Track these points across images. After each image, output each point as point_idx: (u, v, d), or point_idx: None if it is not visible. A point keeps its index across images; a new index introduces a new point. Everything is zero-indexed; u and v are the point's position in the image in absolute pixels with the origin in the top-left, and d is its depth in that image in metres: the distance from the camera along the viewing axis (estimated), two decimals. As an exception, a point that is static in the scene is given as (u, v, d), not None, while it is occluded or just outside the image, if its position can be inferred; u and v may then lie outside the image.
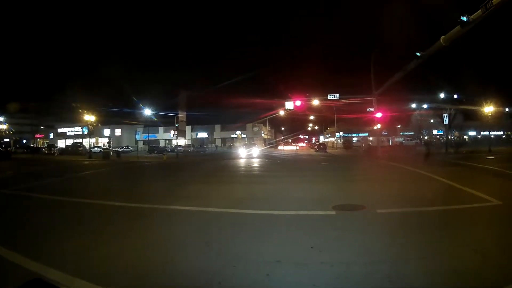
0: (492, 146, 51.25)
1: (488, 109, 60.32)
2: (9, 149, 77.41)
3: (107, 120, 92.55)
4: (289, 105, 51.36)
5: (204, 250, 7.25)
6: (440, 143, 60.62)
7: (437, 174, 19.80)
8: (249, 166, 33.30)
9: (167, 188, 17.50)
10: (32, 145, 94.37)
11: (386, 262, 6.26)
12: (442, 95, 59.38)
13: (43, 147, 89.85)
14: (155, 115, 69.12)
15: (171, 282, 5.73)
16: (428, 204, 11.64)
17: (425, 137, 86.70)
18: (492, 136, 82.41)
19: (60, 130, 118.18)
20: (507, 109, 73.51)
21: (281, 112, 73.33)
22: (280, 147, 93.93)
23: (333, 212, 10.69)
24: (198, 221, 10.02)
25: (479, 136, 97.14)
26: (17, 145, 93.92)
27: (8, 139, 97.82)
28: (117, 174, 28.45)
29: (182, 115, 61.96)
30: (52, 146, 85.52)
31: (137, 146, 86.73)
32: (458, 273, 5.78)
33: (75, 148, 75.29)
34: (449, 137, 67.12)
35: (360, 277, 5.72)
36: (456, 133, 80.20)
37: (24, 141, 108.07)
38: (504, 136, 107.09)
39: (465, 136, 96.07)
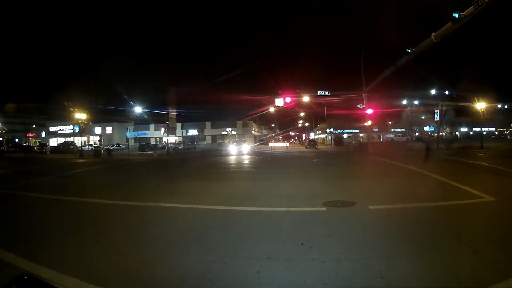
0: (484, 143, 51.19)
1: (480, 105, 60.46)
2: (1, 148, 77.16)
3: (98, 118, 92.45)
4: (279, 101, 51.59)
5: (195, 247, 7.23)
6: (431, 139, 60.65)
7: (428, 170, 19.87)
8: (239, 163, 33.47)
9: (157, 185, 17.47)
10: (24, 144, 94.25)
11: (378, 258, 6.22)
12: (433, 91, 59.46)
13: (35, 146, 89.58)
14: (146, 113, 68.98)
15: (162, 278, 5.69)
16: (419, 200, 11.61)
17: (417, 133, 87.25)
18: (484, 133, 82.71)
19: (51, 129, 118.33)
20: (499, 105, 73.74)
21: (271, 109, 73.24)
22: (270, 144, 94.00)
23: (324, 209, 10.66)
24: (188, 218, 10.00)
25: (471, 133, 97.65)
26: (10, 144, 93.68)
27: (0, 138, 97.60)
28: (108, 172, 28.28)
29: (172, 112, 61.68)
30: (44, 144, 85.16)
31: (128, 144, 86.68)
32: (451, 269, 5.76)
33: (67, 147, 74.83)
34: (441, 133, 67.37)
35: (351, 273, 5.69)
36: (448, 129, 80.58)
37: (17, 140, 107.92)
38: (496, 133, 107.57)
39: (456, 133, 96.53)
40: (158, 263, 6.31)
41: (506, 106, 77.62)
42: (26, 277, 2.44)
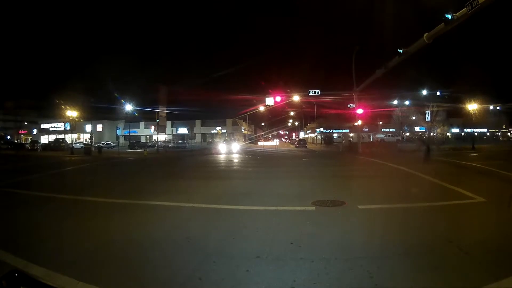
0: (476, 144, 51.17)
1: (472, 106, 60.69)
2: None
3: (89, 115, 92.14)
4: (269, 101, 51.46)
5: (185, 245, 7.21)
6: (423, 140, 60.81)
7: (418, 170, 19.88)
8: (229, 162, 33.45)
9: (147, 183, 17.46)
10: (16, 141, 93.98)
11: (367, 258, 6.21)
12: (424, 92, 59.61)
13: (26, 143, 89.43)
14: (136, 111, 68.75)
15: (150, 277, 5.66)
16: (410, 201, 11.63)
17: (407, 134, 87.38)
18: (476, 134, 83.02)
19: (43, 126, 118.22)
20: (491, 107, 73.93)
21: (262, 108, 73.02)
22: (260, 143, 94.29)
23: (313, 208, 10.65)
24: (178, 217, 9.95)
25: (463, 134, 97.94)
26: (2, 141, 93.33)
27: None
28: (98, 170, 28.19)
29: (163, 110, 61.73)
30: (35, 142, 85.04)
31: (118, 142, 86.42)
32: (441, 269, 5.76)
33: (58, 144, 74.44)
34: (431, 134, 67.50)
35: (341, 272, 5.68)
36: (439, 130, 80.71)
37: (8, 137, 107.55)
38: (488, 134, 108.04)
39: (447, 133, 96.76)
40: (147, 262, 6.27)
41: (498, 108, 77.85)
42: (16, 274, 2.44)
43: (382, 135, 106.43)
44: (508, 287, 5.14)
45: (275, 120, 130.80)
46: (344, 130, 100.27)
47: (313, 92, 48.09)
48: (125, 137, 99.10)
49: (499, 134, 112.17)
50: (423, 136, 73.06)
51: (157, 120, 60.79)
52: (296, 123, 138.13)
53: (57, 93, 77.35)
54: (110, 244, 7.39)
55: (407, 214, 9.83)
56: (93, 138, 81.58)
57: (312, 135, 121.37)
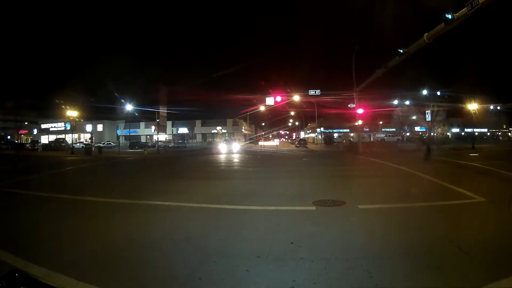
0: (476, 144, 51.03)
1: (472, 106, 60.64)
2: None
3: (89, 115, 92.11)
4: (270, 100, 51.45)
5: (184, 245, 7.20)
6: (424, 140, 60.73)
7: (418, 170, 19.87)
8: (229, 162, 33.44)
9: (147, 183, 17.44)
10: (16, 141, 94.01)
11: (367, 258, 6.20)
12: (425, 92, 59.59)
13: (27, 143, 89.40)
14: (137, 111, 68.65)
15: (150, 277, 5.65)
16: (410, 201, 11.62)
17: (407, 133, 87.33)
18: (476, 134, 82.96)
19: (43, 126, 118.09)
20: (492, 107, 73.89)
21: (262, 108, 72.91)
22: (260, 143, 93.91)
23: (313, 208, 10.64)
24: (178, 217, 9.94)
25: (463, 133, 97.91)
26: (2, 141, 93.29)
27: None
28: (98, 170, 28.16)
29: (163, 110, 61.74)
30: (35, 142, 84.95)
31: (119, 142, 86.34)
32: (441, 269, 5.75)
33: (58, 144, 74.45)
34: (432, 134, 67.48)
35: (341, 272, 5.67)
36: (439, 130, 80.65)
37: (9, 137, 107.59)
38: (488, 134, 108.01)
39: (448, 133, 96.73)
40: (147, 262, 6.26)
41: (498, 108, 77.82)
42: (16, 274, 2.44)
43: (383, 135, 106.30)
44: (508, 287, 5.13)
45: (275, 120, 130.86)
46: (344, 130, 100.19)
47: (313, 92, 48.07)
48: (126, 137, 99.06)
49: (499, 134, 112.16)
50: (424, 136, 73.05)
51: (158, 120, 60.77)
52: (297, 123, 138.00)
53: (57, 93, 77.39)
54: (110, 244, 7.38)
55: (407, 214, 9.82)
56: (93, 138, 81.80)
57: (313, 135, 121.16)
